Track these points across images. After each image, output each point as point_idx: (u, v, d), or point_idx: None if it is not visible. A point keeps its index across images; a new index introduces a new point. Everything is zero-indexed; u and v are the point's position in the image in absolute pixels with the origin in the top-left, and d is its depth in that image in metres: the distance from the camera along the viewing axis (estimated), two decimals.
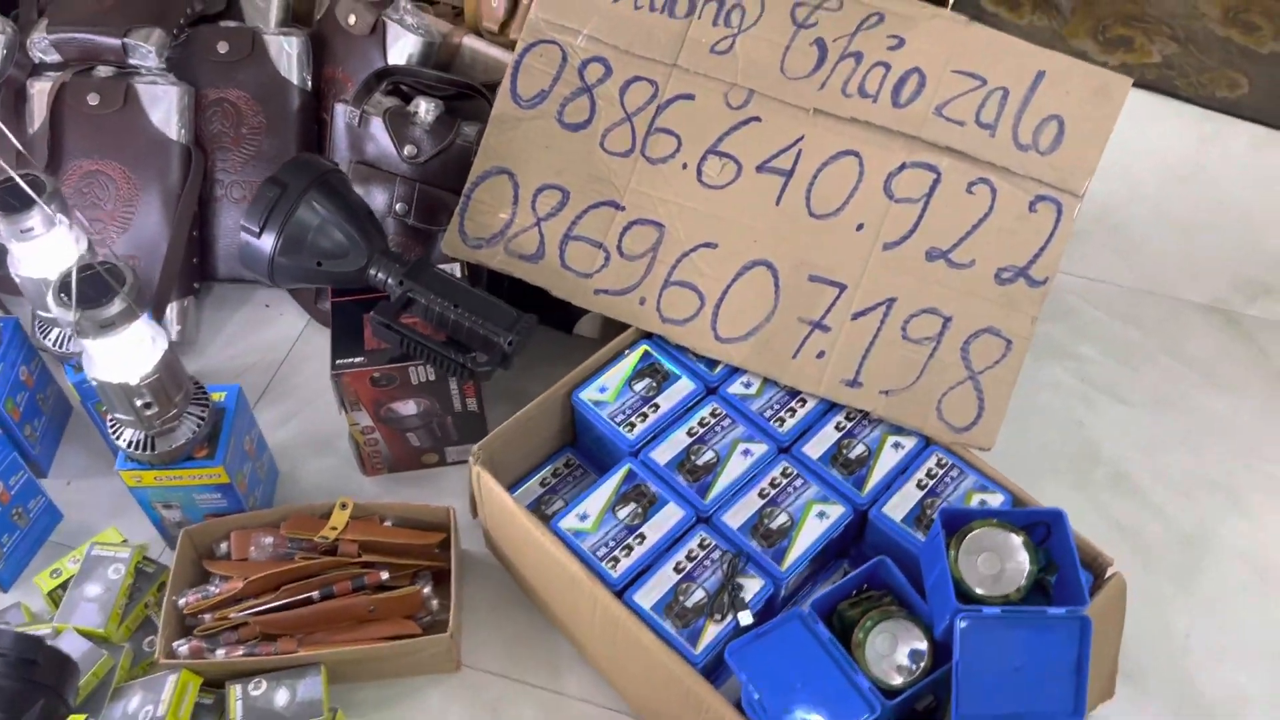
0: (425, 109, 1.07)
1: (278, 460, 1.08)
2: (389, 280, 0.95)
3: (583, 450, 1.01)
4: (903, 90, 0.97)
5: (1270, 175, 1.41)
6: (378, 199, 1.09)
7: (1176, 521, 1.06)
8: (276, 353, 1.17)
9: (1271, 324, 1.24)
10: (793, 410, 0.95)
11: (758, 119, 1.00)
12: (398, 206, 1.08)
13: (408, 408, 1.00)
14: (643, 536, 0.86)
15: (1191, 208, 1.36)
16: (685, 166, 1.01)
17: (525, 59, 1.04)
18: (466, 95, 1.12)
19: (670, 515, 0.88)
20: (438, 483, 1.08)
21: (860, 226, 0.97)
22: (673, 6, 1.02)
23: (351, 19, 1.15)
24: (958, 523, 0.81)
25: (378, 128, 1.08)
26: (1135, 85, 1.51)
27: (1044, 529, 0.82)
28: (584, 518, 0.87)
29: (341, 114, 1.10)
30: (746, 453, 0.92)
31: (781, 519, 0.88)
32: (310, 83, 1.18)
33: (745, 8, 1.01)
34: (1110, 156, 1.40)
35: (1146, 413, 1.15)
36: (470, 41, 1.15)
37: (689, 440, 0.92)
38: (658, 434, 0.93)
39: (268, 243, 0.92)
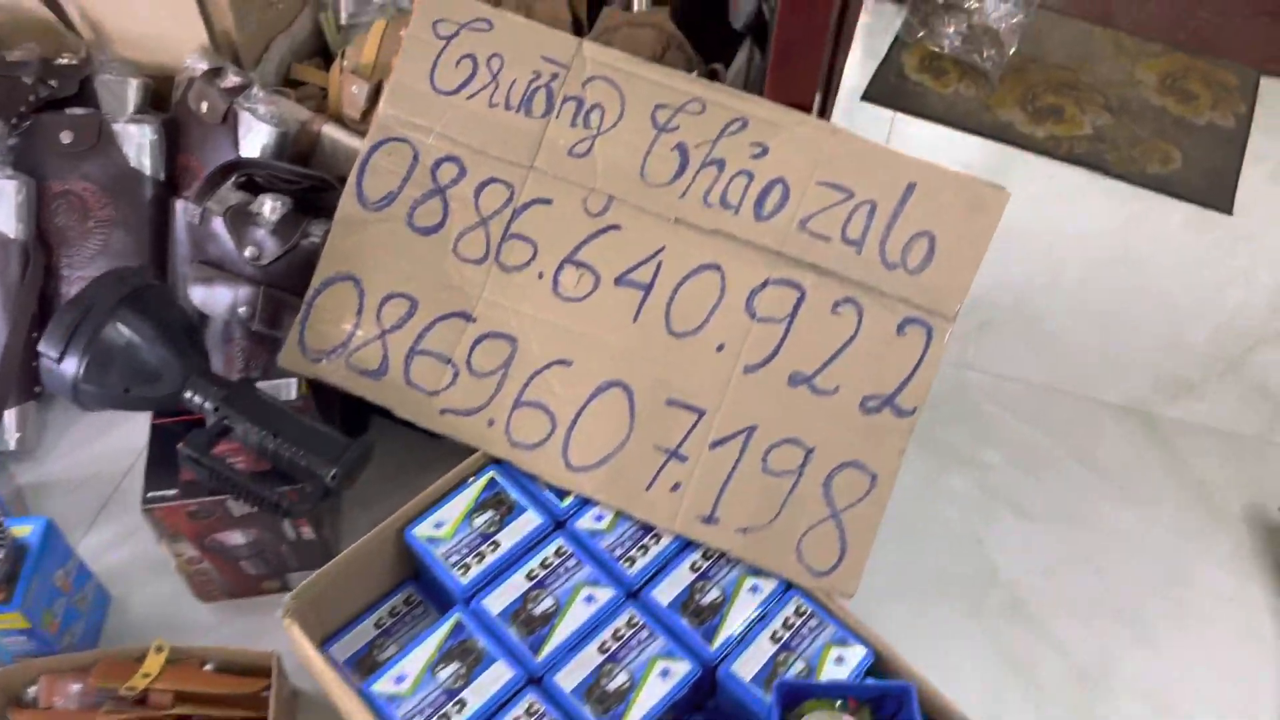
0: (270, 207, 1.00)
1: (111, 584, 1.01)
2: (205, 405, 0.88)
3: (426, 585, 0.94)
4: (766, 201, 0.90)
5: (1199, 259, 1.34)
6: (221, 302, 1.02)
7: (1075, 655, 0.98)
8: (122, 460, 1.10)
9: (1191, 427, 1.17)
10: (645, 548, 0.88)
11: (617, 227, 0.93)
12: (241, 310, 1.01)
13: (235, 538, 0.92)
14: (463, 703, 0.78)
15: (1114, 296, 1.29)
16: (541, 276, 0.94)
17: (373, 158, 0.97)
18: (322, 188, 1.05)
19: (497, 676, 0.80)
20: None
21: (721, 347, 0.90)
22: (529, 105, 0.95)
23: (203, 106, 1.08)
24: (797, 697, 0.73)
25: (219, 226, 1.01)
26: (1063, 160, 1.45)
27: (896, 702, 0.74)
28: (401, 679, 0.79)
29: (182, 211, 1.03)
30: (590, 599, 0.84)
31: (621, 679, 0.80)
32: (165, 172, 1.11)
33: (605, 108, 0.94)
34: (1033, 239, 1.33)
35: (1051, 529, 1.07)
36: (330, 130, 1.08)
37: (528, 585, 0.85)
38: (495, 577, 0.85)
39: (69, 368, 0.85)
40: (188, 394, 0.89)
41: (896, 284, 0.88)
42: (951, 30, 1.53)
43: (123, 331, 0.86)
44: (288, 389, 0.95)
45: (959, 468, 1.12)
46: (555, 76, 0.95)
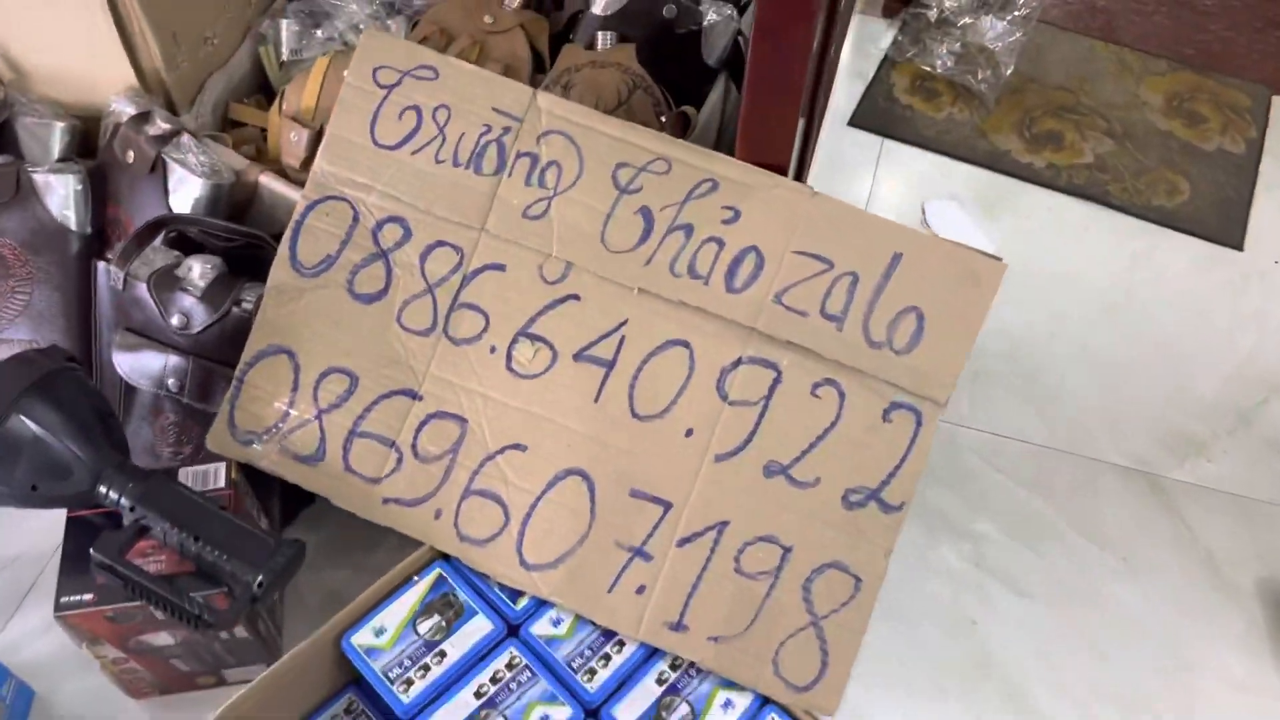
0: (199, 271, 0.92)
1: (35, 678, 0.93)
2: (121, 502, 0.80)
3: (368, 691, 0.86)
4: (738, 271, 0.82)
5: (1207, 301, 1.26)
6: (148, 372, 0.93)
7: None
8: (48, 540, 1.02)
9: (1199, 490, 1.09)
10: (607, 657, 0.80)
11: (576, 297, 0.85)
12: (169, 382, 0.93)
13: (162, 638, 0.84)
14: None
15: (1117, 345, 1.21)
16: (494, 350, 0.86)
17: (308, 219, 0.89)
18: (259, 245, 0.96)
19: None
20: (221, 704, 0.92)
21: (689, 432, 0.82)
22: (479, 161, 0.87)
23: (129, 155, 0.99)
24: None
25: (144, 292, 0.92)
26: (1062, 192, 1.37)
27: None
28: None
29: (104, 275, 0.94)
30: (545, 719, 0.77)
31: None
32: (92, 225, 1.02)
33: (562, 166, 0.85)
34: (1031, 280, 1.25)
35: (1049, 609, 1.00)
36: (267, 181, 0.99)
37: (476, 704, 0.77)
38: (440, 694, 0.77)
39: None
40: (102, 489, 0.80)
41: (882, 365, 0.80)
42: (944, 49, 1.44)
43: (27, 425, 0.78)
44: (215, 474, 0.87)
45: (951, 539, 1.04)
46: (507, 130, 0.86)
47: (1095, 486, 1.09)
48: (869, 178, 1.36)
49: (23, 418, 0.78)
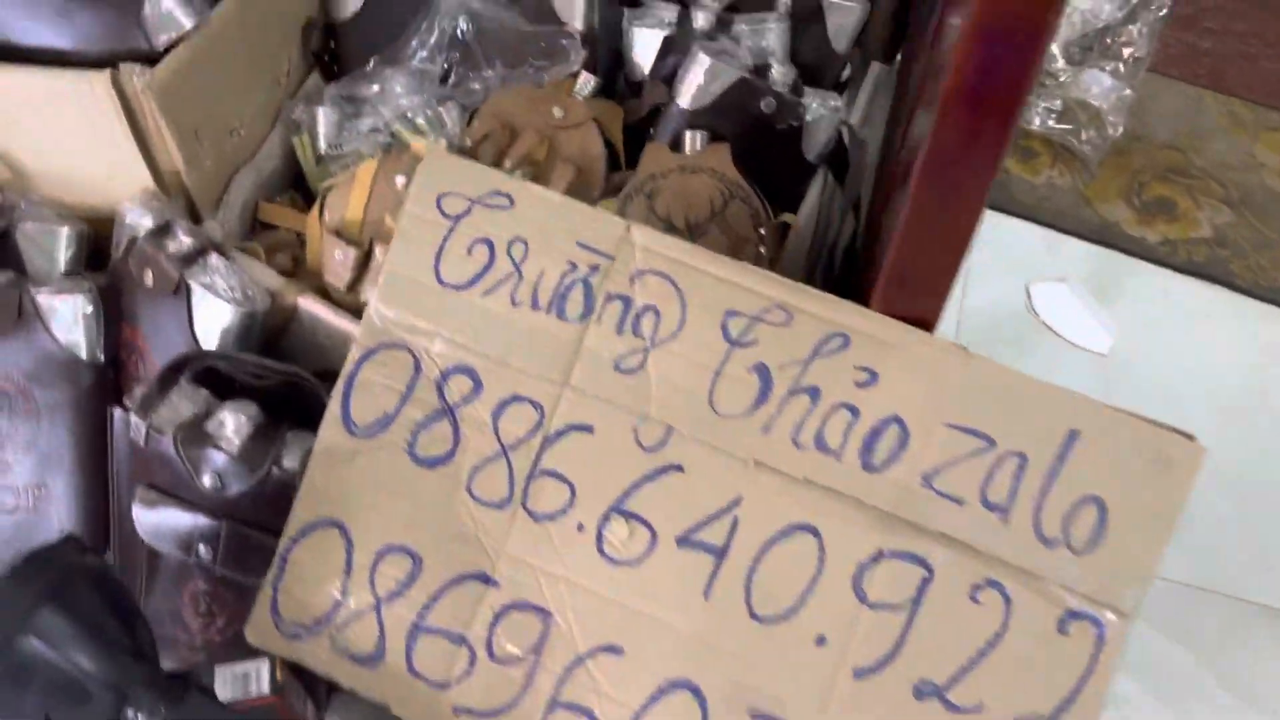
0: (232, 426, 0.79)
1: None
2: None
3: None
4: (877, 446, 0.69)
5: None
6: (175, 536, 0.81)
7: None
8: None
9: None
10: None
11: (679, 468, 0.72)
12: (200, 548, 0.80)
13: None
14: None
15: (1254, 457, 1.08)
16: (581, 528, 0.73)
17: (362, 371, 0.76)
18: (298, 382, 0.84)
19: None
20: None
21: (821, 640, 0.69)
22: (562, 305, 0.74)
23: (148, 277, 0.86)
24: None
25: (169, 448, 0.80)
26: (1180, 271, 1.23)
27: None
28: None
29: (121, 425, 0.82)
30: None
31: None
32: (104, 351, 0.89)
33: (661, 312, 0.72)
34: (1152, 376, 1.12)
35: None
36: (307, 305, 0.86)
37: None
38: None
39: None
40: (129, 713, 0.68)
41: (1056, 566, 0.67)
42: (1041, 105, 1.30)
43: (39, 646, 0.65)
44: (258, 676, 0.74)
45: None
46: (595, 269, 0.73)
47: (1244, 632, 0.96)
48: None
49: (34, 639, 0.65)
